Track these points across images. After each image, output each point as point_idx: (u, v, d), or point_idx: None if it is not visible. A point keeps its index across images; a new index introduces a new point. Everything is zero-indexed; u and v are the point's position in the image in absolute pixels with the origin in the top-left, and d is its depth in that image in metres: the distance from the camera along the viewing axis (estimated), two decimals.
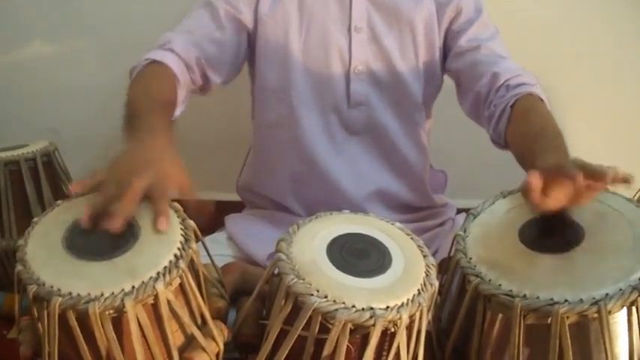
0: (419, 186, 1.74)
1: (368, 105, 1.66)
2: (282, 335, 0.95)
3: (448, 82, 1.73)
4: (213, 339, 0.99)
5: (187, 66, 1.53)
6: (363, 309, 0.90)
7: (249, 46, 1.67)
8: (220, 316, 1.06)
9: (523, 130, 1.39)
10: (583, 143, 2.23)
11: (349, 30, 1.62)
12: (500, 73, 1.52)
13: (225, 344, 1.03)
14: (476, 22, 1.64)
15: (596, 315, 0.93)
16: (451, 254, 1.13)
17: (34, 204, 1.70)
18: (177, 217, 1.03)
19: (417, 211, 1.76)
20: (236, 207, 1.86)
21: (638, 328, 0.96)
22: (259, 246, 1.58)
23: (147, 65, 1.46)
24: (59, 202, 1.09)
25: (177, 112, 1.48)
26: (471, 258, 1.06)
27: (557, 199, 1.02)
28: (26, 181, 1.69)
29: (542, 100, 1.47)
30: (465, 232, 1.13)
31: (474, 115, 1.61)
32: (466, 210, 1.22)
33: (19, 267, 0.96)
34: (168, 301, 0.93)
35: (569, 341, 0.93)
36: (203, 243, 1.09)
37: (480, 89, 1.56)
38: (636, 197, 1.45)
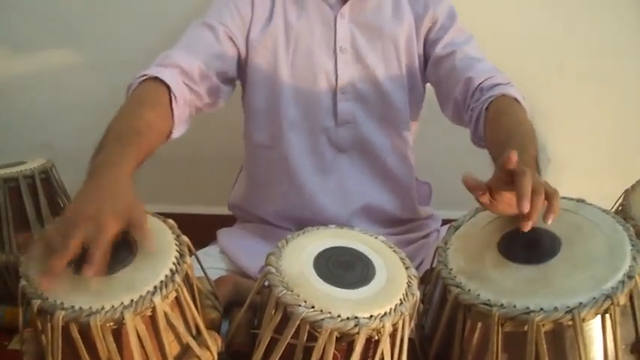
0: (405, 199, 1.77)
1: (355, 122, 1.69)
2: (273, 343, 0.98)
3: (430, 95, 1.75)
4: (208, 348, 1.02)
5: (191, 78, 1.51)
6: (348, 318, 0.94)
7: (239, 70, 1.69)
8: (214, 326, 1.09)
9: (495, 134, 1.42)
10: (568, 152, 2.27)
11: (334, 51, 1.65)
12: (473, 77, 1.55)
13: (219, 354, 1.05)
14: (450, 29, 1.66)
15: (570, 322, 0.96)
16: (433, 265, 1.16)
17: (32, 220, 1.72)
18: (172, 233, 1.06)
19: (403, 223, 1.78)
20: (227, 221, 1.90)
21: (612, 335, 0.99)
22: (251, 259, 1.61)
23: (141, 83, 1.43)
24: (59, 218, 1.10)
25: (178, 131, 1.46)
26: (451, 269, 1.09)
27: (505, 202, 1.09)
28: (25, 197, 1.71)
29: (516, 99, 1.49)
30: (446, 244, 1.16)
31: (457, 120, 1.65)
32: (452, 221, 1.25)
33: (23, 282, 0.99)
34: (165, 313, 0.96)
35: (544, 348, 0.96)
36: (197, 257, 1.13)
37: (457, 95, 1.59)
38: (613, 209, 1.49)
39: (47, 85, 2.36)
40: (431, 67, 1.68)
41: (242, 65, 1.68)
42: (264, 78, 1.67)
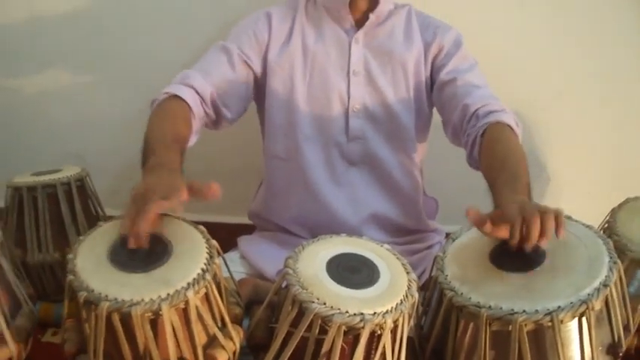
0: (411, 210, 1.86)
1: (365, 139, 1.79)
2: (289, 336, 1.09)
3: (438, 117, 1.82)
4: (232, 339, 1.13)
5: (203, 100, 1.64)
6: (354, 314, 1.06)
7: (256, 88, 1.79)
8: (237, 320, 1.19)
9: (489, 161, 1.51)
10: (567, 172, 2.33)
11: (348, 74, 1.76)
12: (470, 105, 1.64)
13: (241, 347, 1.16)
14: (455, 56, 1.76)
15: (550, 324, 1.07)
16: (432, 273, 1.27)
17: (68, 223, 1.80)
18: (203, 237, 1.18)
19: (409, 234, 1.88)
20: (247, 229, 1.99)
21: (588, 337, 1.11)
22: (269, 264, 1.72)
23: (166, 99, 1.59)
24: (101, 222, 1.23)
25: (192, 141, 1.59)
26: (447, 275, 1.21)
27: (502, 233, 1.19)
28: (62, 202, 1.80)
29: (509, 125, 1.57)
30: (444, 253, 1.28)
31: (456, 142, 1.74)
32: None
33: (70, 277, 1.09)
34: (196, 307, 1.07)
35: (527, 345, 1.08)
36: (223, 259, 1.23)
37: (455, 120, 1.68)
38: (601, 226, 1.59)
39: (79, 100, 2.46)
40: (435, 91, 1.78)
41: (259, 85, 1.80)
42: (282, 96, 1.78)
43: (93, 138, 2.49)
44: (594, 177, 2.37)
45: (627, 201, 1.63)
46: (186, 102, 1.60)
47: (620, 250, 1.43)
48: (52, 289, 1.82)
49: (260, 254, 1.82)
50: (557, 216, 1.16)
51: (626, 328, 1.23)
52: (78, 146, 2.44)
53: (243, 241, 1.91)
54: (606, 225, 1.58)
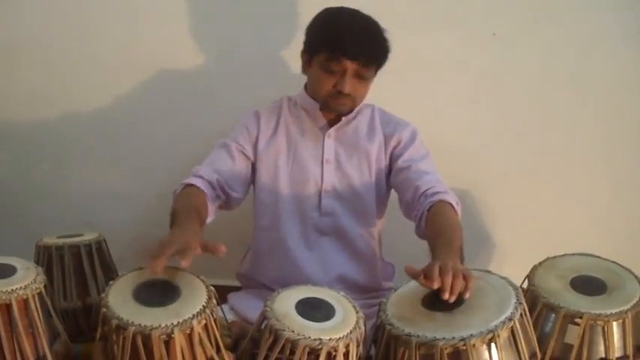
0: (369, 272, 2.14)
1: (334, 214, 2.11)
2: (267, 358, 1.40)
3: (396, 196, 2.09)
4: None
5: (212, 186, 1.98)
6: (315, 339, 1.37)
7: (253, 173, 2.10)
8: (228, 348, 1.50)
9: (432, 230, 1.80)
10: (509, 240, 2.61)
11: (321, 162, 2.07)
12: (420, 186, 1.94)
13: None
14: (410, 147, 2.08)
15: (464, 347, 1.37)
16: (378, 314, 1.56)
17: (89, 276, 2.04)
18: (204, 284, 1.51)
19: (368, 291, 2.16)
20: (234, 289, 2.26)
21: (497, 358, 1.40)
22: (252, 312, 1.88)
23: (184, 188, 1.94)
24: (122, 273, 1.55)
25: (209, 219, 1.91)
26: (388, 314, 1.52)
27: (428, 284, 1.47)
28: (84, 260, 2.04)
29: (450, 203, 1.86)
30: (387, 300, 1.58)
31: (407, 216, 2.03)
32: None
33: (103, 309, 1.40)
34: (198, 333, 1.39)
35: None
36: (218, 302, 1.52)
37: (407, 199, 1.98)
38: (524, 279, 1.83)
39: (92, 178, 2.77)
40: (393, 175, 2.09)
41: (254, 169, 2.11)
42: (268, 179, 2.09)
43: (102, 211, 2.77)
44: (534, 243, 2.53)
45: (547, 259, 1.88)
46: (200, 189, 1.94)
47: (535, 297, 1.71)
48: (73, 331, 1.97)
49: (246, 305, 2.07)
50: (466, 277, 1.47)
51: (534, 356, 1.51)
52: (89, 216, 2.69)
53: (233, 296, 2.18)
54: (527, 278, 1.84)
